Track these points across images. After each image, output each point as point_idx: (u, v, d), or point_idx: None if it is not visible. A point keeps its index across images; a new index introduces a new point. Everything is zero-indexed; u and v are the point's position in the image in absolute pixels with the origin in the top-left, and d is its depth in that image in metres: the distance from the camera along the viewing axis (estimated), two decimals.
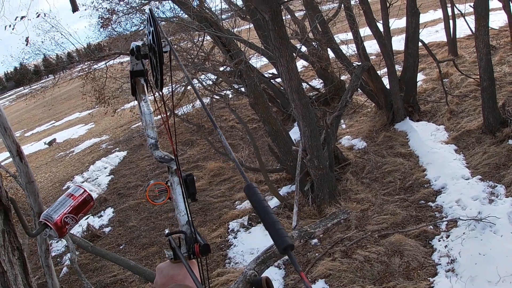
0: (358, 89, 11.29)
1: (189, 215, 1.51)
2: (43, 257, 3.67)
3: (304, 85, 13.78)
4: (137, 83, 1.62)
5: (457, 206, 7.16)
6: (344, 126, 12.18)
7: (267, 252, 2.89)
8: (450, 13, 14.99)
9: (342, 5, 11.60)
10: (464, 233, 6.44)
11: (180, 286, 1.36)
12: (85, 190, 1.76)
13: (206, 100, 15.57)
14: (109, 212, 11.51)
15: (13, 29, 9.68)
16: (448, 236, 6.54)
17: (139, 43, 1.57)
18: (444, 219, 6.98)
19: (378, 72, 11.33)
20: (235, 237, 8.45)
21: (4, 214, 1.67)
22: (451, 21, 14.94)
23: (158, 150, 1.50)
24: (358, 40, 10.55)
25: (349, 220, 7.56)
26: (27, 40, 11.22)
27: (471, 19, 11.68)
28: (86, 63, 16.04)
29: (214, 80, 12.66)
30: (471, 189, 7.45)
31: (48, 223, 1.65)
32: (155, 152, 1.50)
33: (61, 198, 1.72)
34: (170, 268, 1.45)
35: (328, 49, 12.49)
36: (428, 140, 9.58)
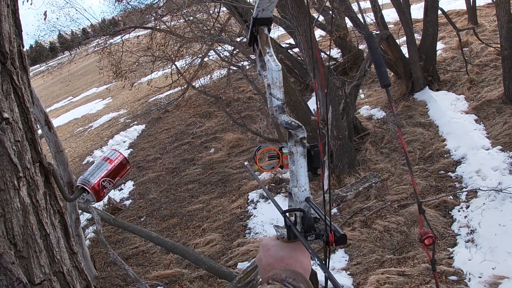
0: None
1: (324, 196, 1.40)
2: (73, 226, 3.73)
3: (322, 54, 13.64)
4: (260, 33, 1.43)
5: (477, 177, 7.09)
6: (362, 96, 12.07)
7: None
8: None
9: None
10: (484, 203, 6.38)
11: (289, 272, 1.19)
12: (121, 154, 1.77)
13: (223, 72, 15.55)
14: (129, 185, 11.64)
15: (31, 4, 9.67)
16: (468, 207, 6.50)
17: None
18: (464, 189, 6.93)
19: (397, 41, 11.15)
20: (254, 208, 8.50)
21: (45, 176, 1.67)
22: None
23: (284, 114, 1.33)
24: (376, 9, 10.37)
25: (368, 189, 7.55)
26: (45, 14, 11.22)
27: None
28: (101, 38, 16.07)
29: (231, 51, 12.58)
30: (491, 160, 7.36)
31: (85, 187, 1.65)
32: (281, 116, 1.33)
33: (98, 162, 1.72)
34: (279, 248, 1.31)
35: (346, 17, 12.33)
36: (448, 110, 9.46)
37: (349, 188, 4.48)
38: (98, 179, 1.66)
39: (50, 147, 3.40)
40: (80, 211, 10.64)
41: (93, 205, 5.40)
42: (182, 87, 17.11)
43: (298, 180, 1.36)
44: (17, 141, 1.52)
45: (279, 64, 1.33)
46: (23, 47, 1.68)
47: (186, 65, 15.36)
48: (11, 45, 1.54)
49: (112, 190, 11.41)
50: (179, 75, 15.08)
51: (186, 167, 11.49)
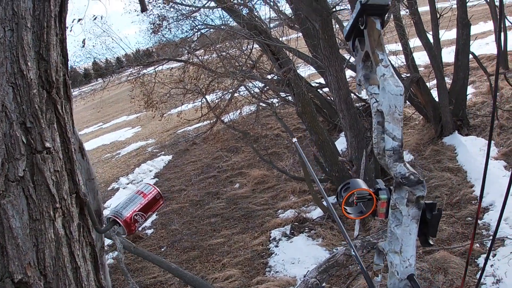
0: (407, 101, 11.12)
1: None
2: (98, 255, 3.72)
3: (352, 95, 13.67)
4: (371, 26, 1.03)
5: (505, 225, 6.92)
6: None
7: (329, 260, 2.84)
8: (501, 25, 14.61)
9: (392, 15, 11.47)
10: (511, 252, 6.23)
11: None
12: (155, 188, 1.76)
13: (253, 108, 15.66)
14: (152, 215, 11.67)
15: (70, 31, 9.95)
16: (494, 255, 6.34)
17: None
18: (491, 237, 6.78)
19: (427, 84, 11.12)
20: (276, 246, 8.43)
21: (80, 207, 1.67)
22: (502, 34, 14.56)
23: (401, 162, 1.05)
24: (408, 51, 10.40)
25: None
26: (83, 42, 11.55)
27: None
28: (135, 68, 16.39)
29: (261, 88, 12.71)
30: None
31: (117, 219, 1.65)
32: (396, 165, 1.04)
33: (131, 195, 1.72)
34: None
35: None
36: (477, 155, 9.33)
37: (380, 234, 4.43)
38: (131, 213, 1.66)
39: (82, 174, 3.43)
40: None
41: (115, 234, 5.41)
42: (211, 121, 17.26)
43: (403, 250, 1.07)
44: (56, 171, 1.52)
45: (401, 85, 0.99)
46: (68, 76, 1.70)
47: (216, 99, 15.52)
48: (57, 74, 1.57)
49: None
50: (209, 109, 15.25)
51: (210, 200, 11.50)
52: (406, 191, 1.05)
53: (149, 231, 10.73)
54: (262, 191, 11.04)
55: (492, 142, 9.73)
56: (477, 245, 6.68)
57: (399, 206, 1.08)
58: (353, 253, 1.24)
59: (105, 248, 9.27)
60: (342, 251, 2.83)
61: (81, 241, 1.63)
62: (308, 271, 2.73)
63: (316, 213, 8.93)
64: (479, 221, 7.30)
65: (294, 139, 1.76)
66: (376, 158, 1.11)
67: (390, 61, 1.05)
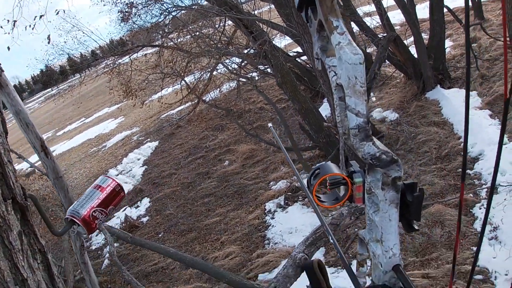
0: (386, 60, 11.08)
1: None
2: (78, 254, 3.60)
3: None
4: None
5: None
6: (374, 99, 12.00)
7: (316, 232, 2.71)
8: None
9: None
10: (505, 199, 6.26)
11: None
12: (113, 180, 1.63)
13: (233, 84, 15.58)
14: (145, 202, 11.66)
15: (32, 28, 9.76)
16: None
17: None
18: (484, 186, 6.82)
19: (405, 41, 11.09)
20: (272, 218, 8.45)
21: (21, 213, 1.51)
22: None
23: (369, 141, 0.90)
24: (382, 11, 10.33)
25: None
26: (49, 38, 11.34)
27: None
28: (110, 59, 16.20)
29: (239, 63, 12.61)
30: (510, 154, 7.23)
31: (75, 219, 1.51)
32: (364, 145, 0.90)
33: (88, 191, 1.59)
34: None
35: (352, 22, 12.31)
36: (461, 107, 9.33)
37: None
38: (88, 210, 1.52)
39: (48, 173, 3.29)
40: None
41: (103, 227, 5.34)
42: (193, 102, 17.17)
43: (384, 239, 0.96)
44: None
45: (360, 52, 0.85)
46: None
47: (195, 80, 15.43)
48: None
49: (129, 208, 11.46)
50: (189, 90, 15.14)
51: (201, 181, 11.48)
52: (380, 172, 0.92)
53: (145, 219, 10.71)
54: (252, 166, 11.02)
55: (475, 92, 9.76)
56: (471, 195, 6.73)
57: (375, 190, 0.94)
58: (331, 240, 1.12)
59: (103, 241, 9.23)
60: (328, 221, 2.74)
61: (25, 250, 1.50)
62: (295, 246, 2.64)
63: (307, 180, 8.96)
64: (470, 171, 7.34)
65: (270, 124, 1.62)
66: (356, 143, 0.91)
67: (347, 27, 0.89)
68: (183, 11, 12.98)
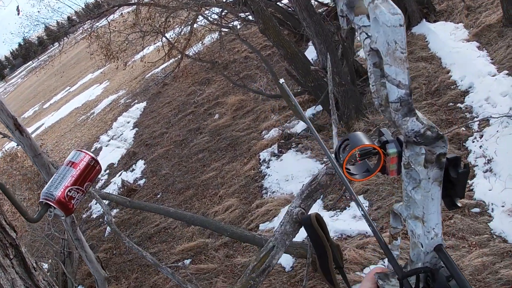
0: None
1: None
2: (70, 231, 3.49)
3: (313, 1, 13.32)
4: None
5: (487, 105, 6.91)
6: (359, 38, 11.81)
7: (310, 184, 2.61)
8: None
9: None
10: (497, 131, 6.22)
11: None
12: (87, 153, 1.51)
13: (215, 35, 15.28)
14: (140, 165, 11.62)
15: None
16: (481, 136, 6.34)
17: None
18: (476, 119, 6.76)
19: None
20: (267, 167, 8.43)
21: None
22: None
23: (412, 116, 0.80)
24: None
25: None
26: (18, 9, 11.01)
27: None
28: (87, 23, 15.86)
29: (219, 13, 12.32)
30: (499, 85, 7.16)
31: (49, 202, 1.40)
32: (407, 120, 0.80)
33: (60, 169, 1.46)
34: None
35: None
36: (449, 40, 9.22)
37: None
38: (62, 190, 1.41)
39: (26, 152, 3.15)
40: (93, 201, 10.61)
41: (98, 196, 5.27)
42: (176, 58, 16.90)
43: (426, 219, 0.88)
44: None
45: (399, 12, 0.72)
46: None
47: (176, 35, 15.12)
48: None
49: (124, 172, 11.41)
50: (171, 47, 14.87)
51: (194, 137, 11.41)
52: (422, 149, 0.83)
53: (141, 182, 10.70)
54: (242, 116, 10.93)
55: (461, 24, 9.61)
56: (463, 128, 6.69)
57: (414, 165, 0.85)
58: (361, 212, 1.02)
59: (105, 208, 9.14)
60: (323, 171, 2.64)
61: None
62: (292, 202, 2.55)
63: (299, 126, 8.89)
64: (461, 105, 7.29)
65: (281, 80, 1.45)
66: (398, 119, 0.80)
67: None
68: None
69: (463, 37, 9.07)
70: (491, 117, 6.51)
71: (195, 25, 14.56)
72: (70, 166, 1.45)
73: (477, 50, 8.45)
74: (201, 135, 11.26)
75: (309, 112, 9.26)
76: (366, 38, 0.82)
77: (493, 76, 7.48)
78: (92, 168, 1.49)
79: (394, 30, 0.72)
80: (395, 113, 0.80)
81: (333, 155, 1.01)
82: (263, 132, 9.65)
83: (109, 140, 14.77)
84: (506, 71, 7.35)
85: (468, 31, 9.20)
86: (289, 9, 12.71)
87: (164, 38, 14.64)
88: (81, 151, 1.49)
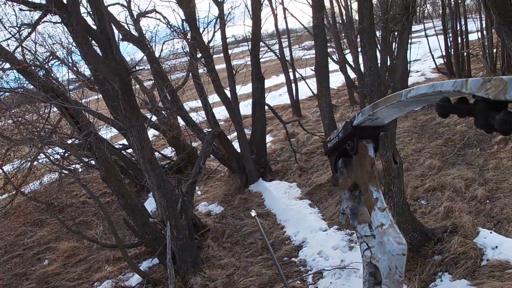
0: (210, 155, 11.43)
1: None
2: None
3: (156, 154, 13.63)
4: (362, 152, 0.86)
5: (320, 258, 7.40)
6: (199, 192, 12.18)
7: None
8: (292, 77, 16.16)
9: (191, 74, 11.84)
10: (331, 282, 6.64)
11: None
12: None
13: (55, 176, 14.72)
14: None
15: None
16: None
17: None
18: (310, 272, 7.17)
19: (229, 137, 11.62)
20: None
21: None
22: (293, 85, 16.07)
23: None
24: (208, 107, 10.78)
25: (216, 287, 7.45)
26: None
27: (311, 82, 12.58)
28: None
29: (62, 154, 12.04)
30: (330, 240, 7.77)
31: None
32: None
33: None
34: None
35: (178, 117, 12.60)
36: (283, 198, 9.93)
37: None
38: None
39: None
40: None
41: None
42: (10, 194, 15.81)
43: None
44: None
45: (404, 241, 0.78)
46: None
47: (14, 169, 14.33)
48: None
49: None
50: (7, 181, 13.99)
51: (18, 283, 10.36)
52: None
53: None
54: (74, 265, 10.27)
55: (295, 183, 10.46)
56: (298, 282, 6.99)
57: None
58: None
59: None
60: None
61: None
62: None
63: (134, 280, 8.56)
64: (295, 259, 7.67)
65: (253, 213, 1.43)
66: None
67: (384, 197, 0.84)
68: (7, 94, 12.22)
69: (296, 195, 9.87)
70: (324, 269, 6.93)
71: (35, 162, 14.00)
72: None
73: (309, 207, 9.20)
74: (27, 281, 10.25)
75: (145, 265, 9.03)
76: (366, 249, 0.90)
77: (324, 231, 8.12)
78: None
79: (398, 258, 0.79)
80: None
81: None
82: (95, 284, 9.10)
83: None
84: (336, 226, 8.05)
85: (301, 189, 10.04)
86: (133, 158, 12.85)
87: (0, 171, 13.78)
88: None
